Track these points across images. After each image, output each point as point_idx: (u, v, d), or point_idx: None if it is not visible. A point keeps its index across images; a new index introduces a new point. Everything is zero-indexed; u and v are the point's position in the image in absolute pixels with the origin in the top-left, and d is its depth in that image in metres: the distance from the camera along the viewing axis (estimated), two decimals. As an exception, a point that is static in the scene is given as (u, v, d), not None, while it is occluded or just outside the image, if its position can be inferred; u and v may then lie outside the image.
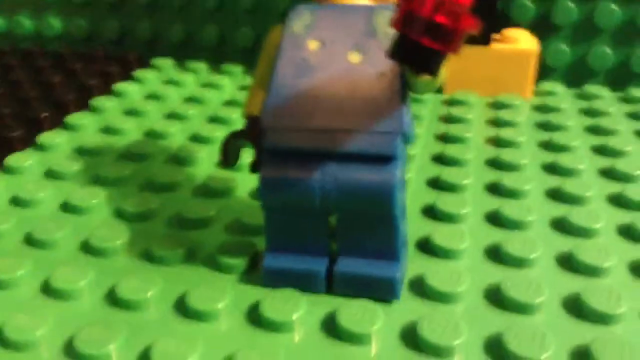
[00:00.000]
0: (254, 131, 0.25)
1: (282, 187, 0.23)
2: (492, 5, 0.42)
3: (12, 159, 0.35)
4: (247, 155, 0.28)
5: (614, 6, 0.44)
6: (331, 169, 0.23)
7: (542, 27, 0.45)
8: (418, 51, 0.20)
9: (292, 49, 0.24)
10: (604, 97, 0.44)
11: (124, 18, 0.54)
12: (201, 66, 0.51)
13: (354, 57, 0.23)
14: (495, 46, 0.43)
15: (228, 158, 0.26)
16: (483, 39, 0.42)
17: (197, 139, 0.38)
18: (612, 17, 0.44)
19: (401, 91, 0.23)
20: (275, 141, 0.24)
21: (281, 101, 0.23)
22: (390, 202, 0.23)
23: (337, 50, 0.24)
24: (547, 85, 0.45)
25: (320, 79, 0.23)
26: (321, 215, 0.24)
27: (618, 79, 0.45)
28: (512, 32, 0.43)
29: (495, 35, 0.43)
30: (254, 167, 0.25)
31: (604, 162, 0.35)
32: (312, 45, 0.24)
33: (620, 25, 0.44)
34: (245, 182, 0.33)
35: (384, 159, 0.23)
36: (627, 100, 0.44)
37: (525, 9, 0.45)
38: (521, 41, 0.43)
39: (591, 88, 0.45)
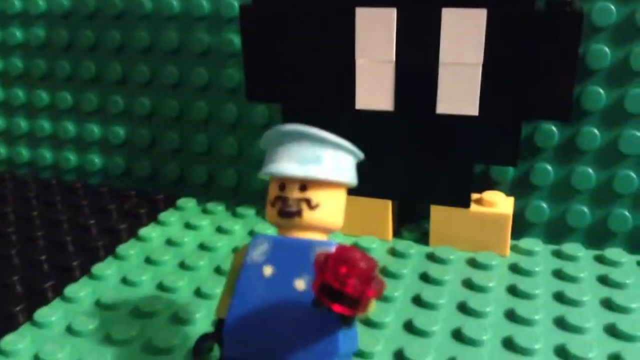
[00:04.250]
0: (220, 334, 0.30)
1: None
2: (469, 169, 0.46)
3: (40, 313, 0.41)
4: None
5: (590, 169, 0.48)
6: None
7: (521, 188, 0.49)
8: (332, 309, 0.24)
9: (250, 274, 0.29)
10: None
11: (155, 159, 0.61)
12: (219, 208, 0.57)
13: (300, 284, 0.28)
14: (473, 208, 0.47)
15: (198, 357, 0.31)
16: (463, 202, 0.47)
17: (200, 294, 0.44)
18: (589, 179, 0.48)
19: (336, 319, 0.27)
20: (231, 352, 0.29)
21: (238, 319, 0.29)
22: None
23: (286, 277, 0.29)
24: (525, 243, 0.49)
25: (270, 303, 0.28)
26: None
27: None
28: (489, 195, 0.48)
29: (474, 197, 0.48)
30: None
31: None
32: (267, 271, 0.29)
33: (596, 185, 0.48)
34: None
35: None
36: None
37: (503, 170, 0.49)
38: (499, 204, 0.47)
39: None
